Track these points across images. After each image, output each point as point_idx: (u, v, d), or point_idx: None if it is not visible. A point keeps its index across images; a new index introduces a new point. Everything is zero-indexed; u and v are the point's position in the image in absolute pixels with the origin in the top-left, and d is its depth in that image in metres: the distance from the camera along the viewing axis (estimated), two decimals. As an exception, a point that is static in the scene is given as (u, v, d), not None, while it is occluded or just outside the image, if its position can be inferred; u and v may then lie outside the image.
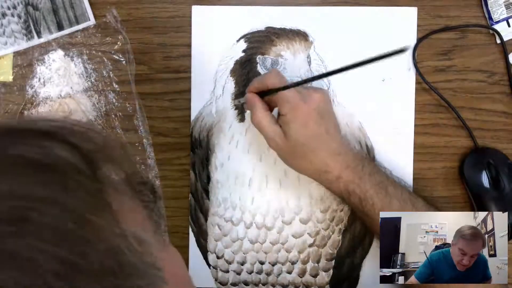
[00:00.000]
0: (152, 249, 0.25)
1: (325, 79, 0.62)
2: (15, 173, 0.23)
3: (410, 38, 0.62)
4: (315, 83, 0.61)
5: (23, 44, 0.63)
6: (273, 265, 0.62)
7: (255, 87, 0.55)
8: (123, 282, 0.22)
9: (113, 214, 0.24)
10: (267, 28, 0.62)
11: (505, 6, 0.61)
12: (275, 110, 0.56)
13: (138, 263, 0.24)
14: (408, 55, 0.61)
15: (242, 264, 0.62)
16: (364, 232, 0.61)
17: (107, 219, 0.24)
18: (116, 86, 0.63)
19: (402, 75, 0.62)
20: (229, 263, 0.62)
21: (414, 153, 0.61)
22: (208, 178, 0.62)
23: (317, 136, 0.53)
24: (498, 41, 0.61)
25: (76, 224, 0.22)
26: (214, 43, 0.62)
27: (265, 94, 0.54)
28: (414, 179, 0.61)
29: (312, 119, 0.52)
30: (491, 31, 0.61)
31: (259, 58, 0.62)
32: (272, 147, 0.55)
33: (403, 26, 0.62)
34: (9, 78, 0.63)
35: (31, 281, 0.20)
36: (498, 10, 0.61)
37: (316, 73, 0.61)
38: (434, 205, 0.56)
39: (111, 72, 0.63)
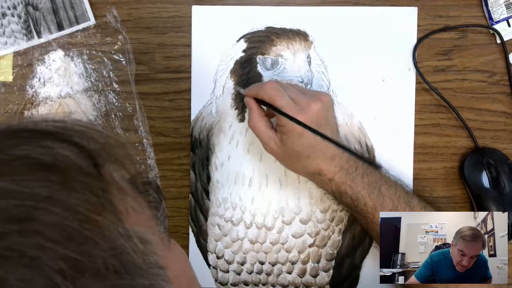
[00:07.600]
0: (155, 249, 0.25)
1: (324, 79, 0.62)
2: (21, 173, 0.23)
3: (410, 38, 0.62)
4: (316, 82, 0.61)
5: (23, 44, 0.63)
6: (273, 265, 0.62)
7: (252, 94, 0.55)
8: (126, 281, 0.23)
9: (117, 214, 0.24)
10: (267, 28, 0.62)
11: (505, 6, 0.61)
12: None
13: (141, 262, 0.24)
14: (408, 55, 0.62)
15: (242, 264, 0.62)
16: (364, 232, 0.61)
17: (111, 219, 0.24)
18: (116, 86, 0.63)
19: (402, 75, 0.62)
20: (229, 263, 0.62)
21: (414, 153, 0.61)
22: (208, 178, 0.62)
23: (313, 145, 0.53)
24: (498, 41, 0.61)
25: (80, 223, 0.22)
26: (214, 43, 0.62)
27: (262, 102, 0.54)
28: (414, 179, 0.61)
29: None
30: (491, 31, 0.61)
31: (259, 58, 0.61)
32: (267, 151, 0.56)
33: (403, 26, 0.62)
34: (9, 78, 0.63)
35: (35, 279, 0.20)
36: (498, 10, 0.61)
37: (316, 73, 0.62)
38: (432, 203, 0.56)
39: (111, 72, 0.63)
